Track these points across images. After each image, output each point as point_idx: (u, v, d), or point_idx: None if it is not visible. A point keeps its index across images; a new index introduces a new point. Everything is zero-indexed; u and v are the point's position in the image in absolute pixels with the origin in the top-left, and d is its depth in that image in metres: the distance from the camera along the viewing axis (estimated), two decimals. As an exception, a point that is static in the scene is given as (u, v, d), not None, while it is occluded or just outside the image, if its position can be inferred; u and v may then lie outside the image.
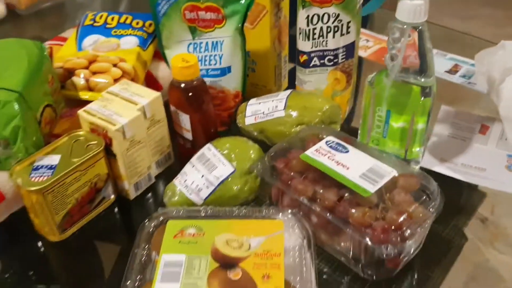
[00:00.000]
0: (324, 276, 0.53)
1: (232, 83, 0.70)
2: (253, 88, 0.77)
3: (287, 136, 0.63)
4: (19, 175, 0.55)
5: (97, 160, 0.58)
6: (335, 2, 0.62)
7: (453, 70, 0.84)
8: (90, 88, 0.69)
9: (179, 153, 0.69)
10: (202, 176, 0.57)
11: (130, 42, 0.74)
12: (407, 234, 0.48)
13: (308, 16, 0.63)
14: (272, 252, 0.48)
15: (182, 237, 0.49)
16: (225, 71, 0.69)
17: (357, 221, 0.49)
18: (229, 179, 0.57)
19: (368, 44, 0.92)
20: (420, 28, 0.53)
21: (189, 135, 0.65)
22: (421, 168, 0.65)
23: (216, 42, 0.68)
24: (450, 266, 0.56)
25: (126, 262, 0.49)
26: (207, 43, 0.69)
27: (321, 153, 0.55)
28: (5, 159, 0.58)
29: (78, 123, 0.62)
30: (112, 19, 0.77)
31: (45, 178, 0.55)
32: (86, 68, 0.70)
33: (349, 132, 0.67)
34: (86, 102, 0.65)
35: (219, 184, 0.57)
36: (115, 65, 0.70)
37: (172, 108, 0.65)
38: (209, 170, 0.57)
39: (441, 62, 0.86)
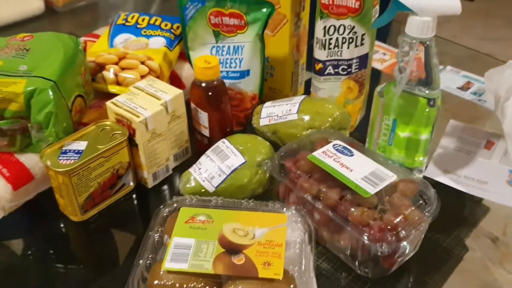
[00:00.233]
0: (323, 272, 0.56)
1: (250, 85, 0.74)
2: (270, 92, 0.80)
3: (299, 138, 0.66)
4: (48, 158, 0.59)
5: (121, 149, 0.62)
6: (351, 15, 0.65)
7: (465, 87, 0.87)
8: (118, 83, 0.73)
9: (196, 148, 0.72)
10: (215, 165, 0.61)
11: (158, 42, 0.77)
12: (402, 235, 0.51)
13: (325, 26, 0.67)
14: (274, 242, 0.51)
15: (193, 223, 0.53)
16: (244, 74, 0.73)
17: (356, 220, 0.52)
18: (240, 169, 0.61)
19: (385, 57, 0.95)
20: (427, 43, 0.56)
21: (206, 132, 0.69)
22: (425, 177, 0.67)
23: (238, 46, 0.72)
24: (449, 274, 0.58)
25: (140, 243, 0.52)
26: (229, 47, 0.72)
27: (327, 155, 0.58)
28: (37, 142, 0.62)
29: (105, 113, 0.66)
30: (143, 20, 0.81)
31: (72, 161, 0.59)
32: (116, 64, 0.74)
33: (359, 139, 0.69)
34: (114, 95, 0.69)
35: (230, 173, 0.61)
36: (142, 63, 0.74)
37: (193, 105, 0.69)
38: (221, 160, 0.61)
39: (454, 79, 0.89)
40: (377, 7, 0.68)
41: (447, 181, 0.67)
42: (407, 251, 0.56)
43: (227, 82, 0.71)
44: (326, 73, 0.71)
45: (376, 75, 0.90)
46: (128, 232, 0.64)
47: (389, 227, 0.51)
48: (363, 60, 0.70)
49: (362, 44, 0.68)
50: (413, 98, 0.60)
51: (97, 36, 0.85)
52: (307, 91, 0.78)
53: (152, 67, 0.73)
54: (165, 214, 0.55)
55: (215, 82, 0.66)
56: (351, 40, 0.67)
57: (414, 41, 0.56)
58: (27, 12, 1.09)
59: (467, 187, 0.66)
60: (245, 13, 0.70)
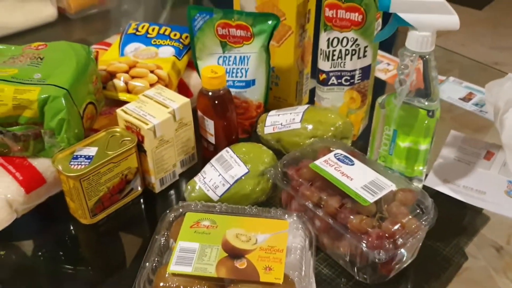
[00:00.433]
0: (324, 278, 0.58)
1: (255, 95, 0.76)
2: (275, 101, 0.82)
3: (302, 146, 0.68)
4: (60, 162, 0.61)
5: (129, 155, 0.65)
6: (354, 28, 0.67)
7: (467, 98, 0.88)
8: (128, 90, 0.75)
9: (203, 155, 0.74)
10: (219, 175, 0.63)
11: (167, 51, 0.80)
12: (399, 242, 0.53)
13: (329, 38, 0.69)
14: (275, 248, 0.53)
15: (198, 227, 0.55)
16: (250, 83, 0.75)
17: (355, 227, 0.54)
18: (243, 179, 0.63)
19: (389, 68, 0.97)
20: (426, 57, 0.58)
21: (212, 139, 0.71)
22: (425, 187, 0.69)
23: (244, 57, 0.74)
24: (448, 282, 0.59)
25: (147, 246, 0.54)
26: (235, 57, 0.75)
27: (329, 164, 0.60)
28: (49, 147, 0.64)
29: (115, 120, 0.68)
30: (153, 29, 0.83)
31: (83, 166, 0.61)
32: (126, 72, 0.76)
33: (361, 147, 0.71)
34: (124, 102, 0.71)
35: (234, 183, 0.63)
36: (152, 71, 0.76)
37: (199, 113, 0.71)
38: (225, 170, 0.63)
39: (456, 90, 0.90)
40: (380, 20, 0.70)
41: (447, 191, 0.69)
42: (405, 258, 0.57)
43: (233, 91, 0.73)
44: (329, 83, 0.73)
45: (380, 85, 0.92)
46: (135, 236, 0.66)
47: (387, 234, 0.53)
48: (366, 71, 0.72)
49: (364, 56, 0.70)
50: (414, 109, 0.62)
51: (109, 45, 0.87)
52: (311, 100, 0.80)
53: (161, 76, 0.76)
54: (171, 219, 0.57)
55: (222, 91, 0.68)
56: (354, 52, 0.69)
57: (414, 54, 0.58)
58: (41, 19, 1.11)
59: (465, 196, 0.68)
60: (251, 25, 0.72)
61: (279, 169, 0.62)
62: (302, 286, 0.51)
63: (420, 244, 0.58)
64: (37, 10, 1.11)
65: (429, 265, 0.60)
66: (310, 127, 0.70)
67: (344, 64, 0.71)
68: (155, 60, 0.78)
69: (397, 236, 0.53)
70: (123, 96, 0.75)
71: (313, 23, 0.78)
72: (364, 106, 0.76)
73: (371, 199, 0.55)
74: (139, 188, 0.69)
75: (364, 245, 0.53)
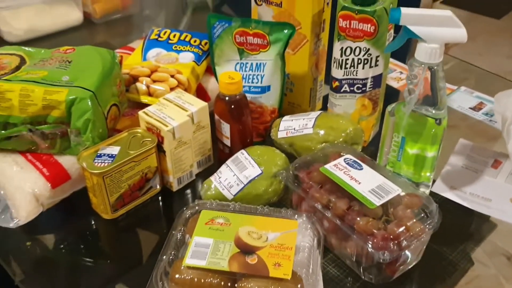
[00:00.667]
0: (332, 278, 0.61)
1: (270, 100, 0.79)
2: (290, 107, 0.85)
3: (313, 151, 0.71)
4: (85, 160, 0.65)
5: (150, 154, 0.68)
6: (367, 38, 0.70)
7: (477, 107, 0.90)
8: (150, 94, 0.78)
9: (218, 157, 0.77)
10: (234, 175, 0.66)
11: (187, 57, 0.83)
12: (403, 244, 0.55)
13: (342, 48, 0.72)
14: (285, 245, 0.56)
15: (212, 224, 0.58)
16: (265, 89, 0.78)
17: (361, 229, 0.56)
18: (256, 179, 0.66)
19: (402, 76, 0.99)
20: (434, 68, 0.60)
21: (228, 142, 0.74)
22: (432, 193, 0.71)
23: (260, 63, 0.77)
24: (453, 286, 0.61)
25: (164, 241, 0.57)
26: (252, 64, 0.77)
27: (338, 168, 0.63)
28: (75, 146, 0.68)
29: (137, 121, 0.71)
30: (174, 36, 0.86)
31: (106, 164, 0.64)
32: (148, 76, 0.79)
33: (371, 153, 0.74)
34: (145, 105, 0.74)
35: (247, 183, 0.66)
36: (172, 76, 0.79)
37: (216, 117, 0.74)
38: (240, 170, 0.66)
39: (467, 99, 0.92)
40: (392, 31, 0.73)
41: (453, 197, 0.71)
42: (409, 260, 0.59)
43: (249, 96, 0.75)
44: (342, 90, 0.75)
45: (392, 93, 0.94)
46: (153, 231, 0.69)
47: (391, 236, 0.55)
48: (377, 80, 0.74)
49: (376, 65, 0.72)
50: (422, 117, 0.64)
51: (132, 49, 0.90)
52: (325, 106, 0.82)
53: (181, 80, 0.79)
54: (187, 216, 0.61)
55: (238, 96, 0.71)
56: (366, 61, 0.72)
57: (422, 65, 0.61)
58: (67, 23, 1.15)
59: (471, 203, 0.70)
60: (268, 33, 0.75)
61: (291, 172, 0.65)
62: (309, 283, 0.53)
63: (424, 246, 0.60)
64: (64, 14, 1.15)
65: (435, 269, 0.61)
66: (322, 132, 0.72)
67: (356, 73, 0.73)
68: (176, 65, 0.81)
69: (402, 238, 0.55)
70: (144, 99, 0.78)
71: (328, 32, 0.81)
72: (375, 113, 0.78)
73: (377, 202, 0.58)
74: (158, 187, 0.72)
75: (369, 245, 0.55)
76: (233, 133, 0.73)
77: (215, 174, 0.69)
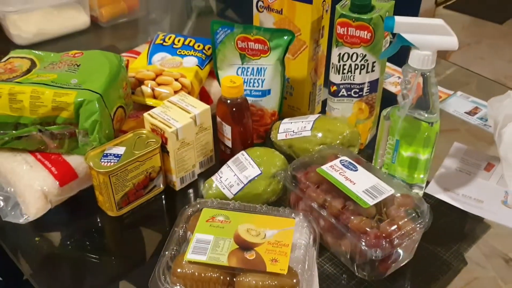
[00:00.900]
0: (329, 275, 0.63)
1: (270, 103, 0.81)
2: (289, 110, 0.87)
3: (311, 152, 0.73)
4: (91, 159, 0.67)
5: (154, 155, 0.70)
6: (363, 45, 0.72)
7: (472, 112, 0.92)
8: (154, 96, 0.81)
9: (220, 157, 0.79)
10: (234, 175, 0.69)
11: (190, 61, 0.85)
12: (395, 242, 0.57)
13: (340, 53, 0.74)
14: (282, 242, 0.58)
15: (213, 222, 0.60)
16: (266, 93, 0.80)
17: (355, 227, 0.59)
18: (256, 179, 0.68)
19: (399, 81, 1.02)
20: (427, 74, 0.63)
21: (229, 143, 0.77)
22: (425, 194, 0.73)
23: (261, 68, 0.79)
24: (446, 284, 0.63)
25: (166, 237, 0.60)
26: (253, 68, 0.80)
27: (334, 169, 0.65)
28: (83, 146, 0.70)
29: (142, 123, 0.74)
30: (179, 40, 0.89)
31: (112, 163, 0.66)
32: (153, 79, 0.81)
33: (368, 156, 0.76)
34: (150, 107, 0.77)
35: (247, 183, 0.68)
36: (176, 79, 0.81)
37: (218, 119, 0.76)
38: (240, 170, 0.69)
39: (462, 104, 0.94)
40: (388, 38, 0.75)
41: (446, 198, 0.73)
42: (401, 257, 0.62)
43: (250, 99, 0.78)
44: (339, 95, 0.78)
45: (389, 98, 0.96)
46: (156, 228, 0.71)
47: (384, 234, 0.58)
48: (374, 84, 0.77)
49: (373, 70, 0.75)
50: (416, 121, 0.66)
51: (138, 53, 0.93)
52: (324, 110, 0.85)
53: (185, 84, 0.81)
54: (189, 213, 0.63)
55: (239, 100, 0.73)
56: (363, 66, 0.74)
57: (415, 71, 0.63)
58: (75, 26, 1.18)
59: (464, 204, 0.72)
60: (268, 39, 0.78)
61: (289, 172, 0.67)
62: (304, 278, 0.56)
63: (416, 245, 0.63)
64: (72, 18, 1.17)
65: (429, 268, 0.63)
66: (319, 135, 0.75)
67: (353, 78, 0.75)
68: (180, 69, 0.84)
69: (394, 236, 0.57)
70: (149, 101, 0.81)
71: (327, 38, 0.83)
72: (372, 117, 0.81)
73: (371, 202, 0.60)
74: (161, 186, 0.74)
75: (363, 243, 0.57)
76: (234, 134, 0.75)
77: (216, 174, 0.71)
